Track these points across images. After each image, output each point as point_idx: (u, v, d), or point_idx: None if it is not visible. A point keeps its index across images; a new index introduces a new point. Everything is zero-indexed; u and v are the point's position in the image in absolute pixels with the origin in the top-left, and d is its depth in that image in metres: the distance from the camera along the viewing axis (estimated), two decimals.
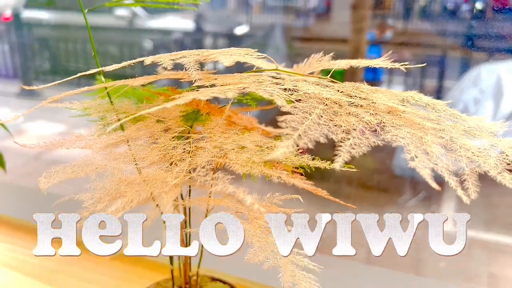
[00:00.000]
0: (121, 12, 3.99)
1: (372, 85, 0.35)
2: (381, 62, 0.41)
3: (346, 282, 0.71)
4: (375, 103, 0.31)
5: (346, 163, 0.39)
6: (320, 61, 0.39)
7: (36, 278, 0.68)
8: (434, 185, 0.25)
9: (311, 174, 0.40)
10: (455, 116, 0.33)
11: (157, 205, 0.27)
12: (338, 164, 0.26)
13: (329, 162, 0.35)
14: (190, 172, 0.29)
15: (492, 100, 3.09)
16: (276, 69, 0.36)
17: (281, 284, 0.55)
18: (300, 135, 0.26)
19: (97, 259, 0.73)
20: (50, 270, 0.70)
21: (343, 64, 0.38)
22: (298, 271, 0.32)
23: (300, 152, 0.37)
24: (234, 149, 0.32)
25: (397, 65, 0.39)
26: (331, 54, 0.40)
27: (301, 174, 0.41)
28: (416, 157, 0.27)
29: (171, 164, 0.30)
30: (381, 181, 3.29)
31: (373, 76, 3.18)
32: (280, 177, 0.30)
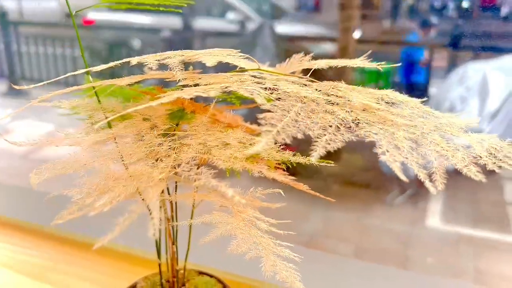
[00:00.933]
0: (232, 16, 3.88)
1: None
2: (360, 62, 0.43)
3: (334, 276, 0.73)
4: (351, 101, 0.33)
5: (333, 160, 0.41)
6: (301, 60, 0.41)
7: (31, 277, 0.69)
8: (403, 177, 0.27)
9: (300, 173, 0.41)
10: (428, 113, 0.35)
11: (143, 199, 0.28)
12: (314, 158, 0.27)
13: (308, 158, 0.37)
14: (175, 168, 0.30)
15: (477, 98, 3.14)
16: (258, 69, 0.38)
17: (265, 277, 0.56)
18: (278, 131, 0.27)
19: (92, 257, 0.74)
20: (45, 268, 0.71)
21: (323, 63, 0.40)
22: (280, 261, 0.33)
23: (283, 149, 0.38)
24: (217, 145, 0.33)
25: (373, 64, 0.40)
26: (312, 54, 0.42)
27: (284, 170, 0.42)
28: (388, 151, 0.29)
29: (156, 160, 0.31)
30: (369, 179, 3.32)
31: (421, 79, 3.21)
32: (261, 171, 0.31)
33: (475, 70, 3.30)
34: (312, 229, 2.64)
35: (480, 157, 0.30)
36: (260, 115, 0.28)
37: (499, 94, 3.02)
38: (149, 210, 0.32)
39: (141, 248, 0.75)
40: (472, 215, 2.75)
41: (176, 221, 0.47)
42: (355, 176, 3.31)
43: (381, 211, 2.93)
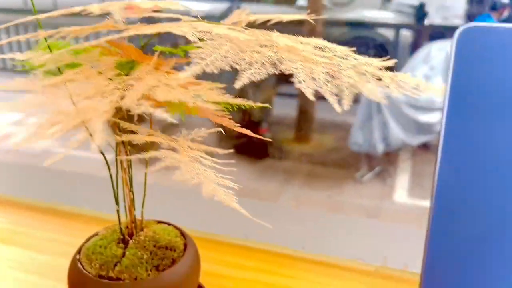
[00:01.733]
0: (302, 2, 3.71)
1: None
2: (296, 17, 0.47)
3: (314, 230, 0.78)
4: (279, 44, 0.37)
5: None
6: (239, 14, 0.45)
7: None
8: (312, 97, 0.31)
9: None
10: (349, 56, 0.39)
11: (87, 128, 0.31)
12: (237, 85, 0.31)
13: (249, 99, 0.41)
14: (118, 102, 0.34)
15: (441, 76, 3.24)
16: (199, 20, 0.41)
17: (220, 230, 0.60)
18: (208, 64, 0.31)
19: (60, 221, 0.77)
20: (9, 232, 0.74)
21: (262, 18, 0.44)
22: (220, 187, 0.37)
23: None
24: (159, 86, 0.37)
25: (306, 16, 0.45)
26: (247, 9, 0.45)
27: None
28: (304, 81, 0.33)
29: (103, 97, 0.35)
30: (338, 158, 3.41)
31: None
32: (195, 103, 0.35)
33: (438, 49, 3.40)
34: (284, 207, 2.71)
35: (388, 87, 0.35)
36: (192, 52, 0.32)
37: None
38: (92, 136, 0.35)
39: (108, 212, 0.78)
40: None
41: (131, 173, 0.50)
42: (325, 156, 3.39)
43: (351, 188, 3.02)
